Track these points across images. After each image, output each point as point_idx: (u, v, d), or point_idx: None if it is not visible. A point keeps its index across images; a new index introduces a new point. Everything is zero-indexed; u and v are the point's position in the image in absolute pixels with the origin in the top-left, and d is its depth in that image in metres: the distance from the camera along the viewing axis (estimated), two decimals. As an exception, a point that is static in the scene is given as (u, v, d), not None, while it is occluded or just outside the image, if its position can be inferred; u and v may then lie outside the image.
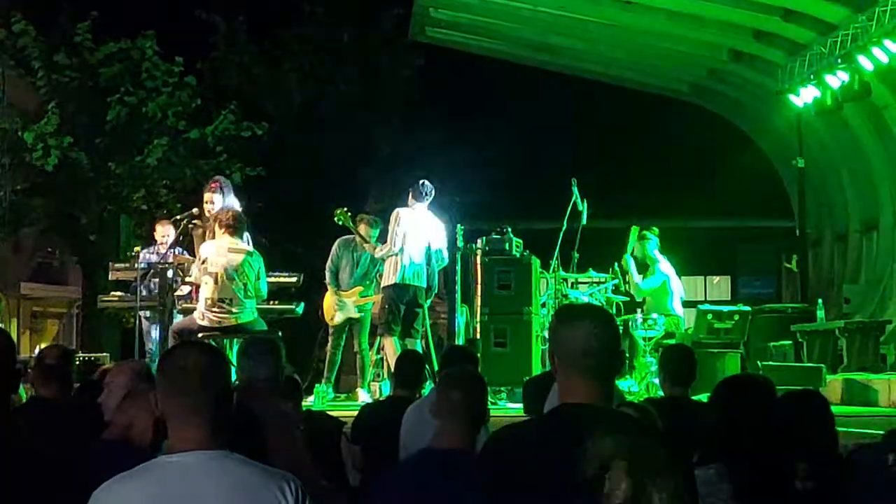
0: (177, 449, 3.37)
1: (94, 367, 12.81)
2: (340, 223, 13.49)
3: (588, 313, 3.86)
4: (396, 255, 12.67)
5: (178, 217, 12.99)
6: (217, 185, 12.41)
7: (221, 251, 11.28)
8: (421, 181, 13.21)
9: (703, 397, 7.19)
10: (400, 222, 12.73)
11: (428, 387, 8.76)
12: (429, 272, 12.94)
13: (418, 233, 12.83)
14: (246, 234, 11.68)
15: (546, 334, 12.58)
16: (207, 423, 3.37)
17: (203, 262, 11.29)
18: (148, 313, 13.05)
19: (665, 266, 14.48)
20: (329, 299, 13.70)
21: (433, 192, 13.07)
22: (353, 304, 13.54)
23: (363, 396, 12.89)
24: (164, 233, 13.44)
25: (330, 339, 13.80)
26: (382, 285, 12.93)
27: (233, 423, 3.47)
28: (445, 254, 13.26)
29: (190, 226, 12.59)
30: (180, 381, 3.42)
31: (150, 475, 3.34)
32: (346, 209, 13.56)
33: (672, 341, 13.02)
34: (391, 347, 12.66)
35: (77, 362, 11.88)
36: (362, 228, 13.46)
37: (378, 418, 7.33)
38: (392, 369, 12.12)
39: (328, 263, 13.82)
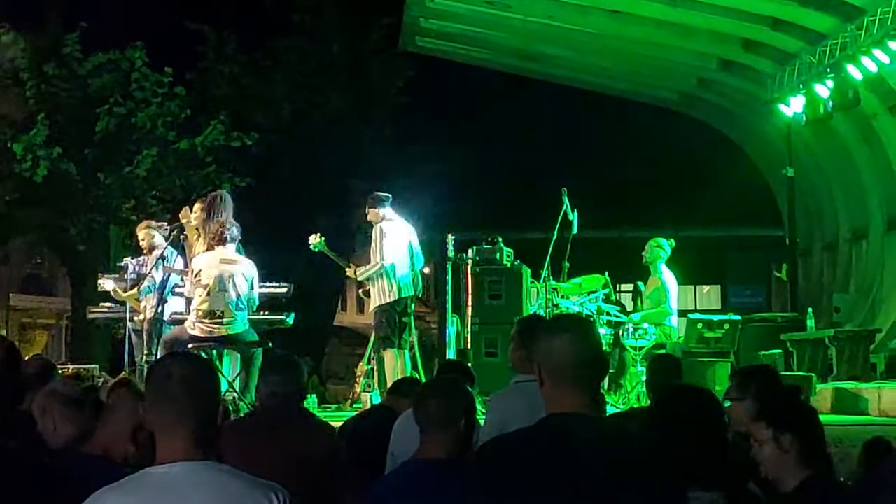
0: (163, 459, 3.36)
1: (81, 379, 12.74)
2: (317, 250, 13.39)
3: (572, 323, 3.91)
4: (387, 271, 12.65)
5: (168, 226, 12.81)
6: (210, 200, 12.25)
7: (213, 263, 11.25)
8: (373, 192, 13.19)
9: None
10: (387, 237, 12.67)
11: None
12: (413, 276, 12.94)
13: (401, 243, 12.82)
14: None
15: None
16: (192, 433, 3.36)
17: (196, 275, 11.26)
18: (138, 325, 12.90)
19: (669, 279, 14.37)
20: None
21: (390, 196, 13.05)
22: None
23: None
24: (145, 237, 13.15)
25: None
26: (378, 303, 12.82)
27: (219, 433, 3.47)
28: (422, 254, 13.25)
29: (181, 237, 12.47)
30: (165, 391, 3.41)
31: (137, 486, 3.32)
32: (321, 235, 13.43)
33: (662, 351, 12.98)
34: (391, 360, 12.64)
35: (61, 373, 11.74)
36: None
37: (365, 427, 7.30)
38: (387, 380, 12.14)
39: None
